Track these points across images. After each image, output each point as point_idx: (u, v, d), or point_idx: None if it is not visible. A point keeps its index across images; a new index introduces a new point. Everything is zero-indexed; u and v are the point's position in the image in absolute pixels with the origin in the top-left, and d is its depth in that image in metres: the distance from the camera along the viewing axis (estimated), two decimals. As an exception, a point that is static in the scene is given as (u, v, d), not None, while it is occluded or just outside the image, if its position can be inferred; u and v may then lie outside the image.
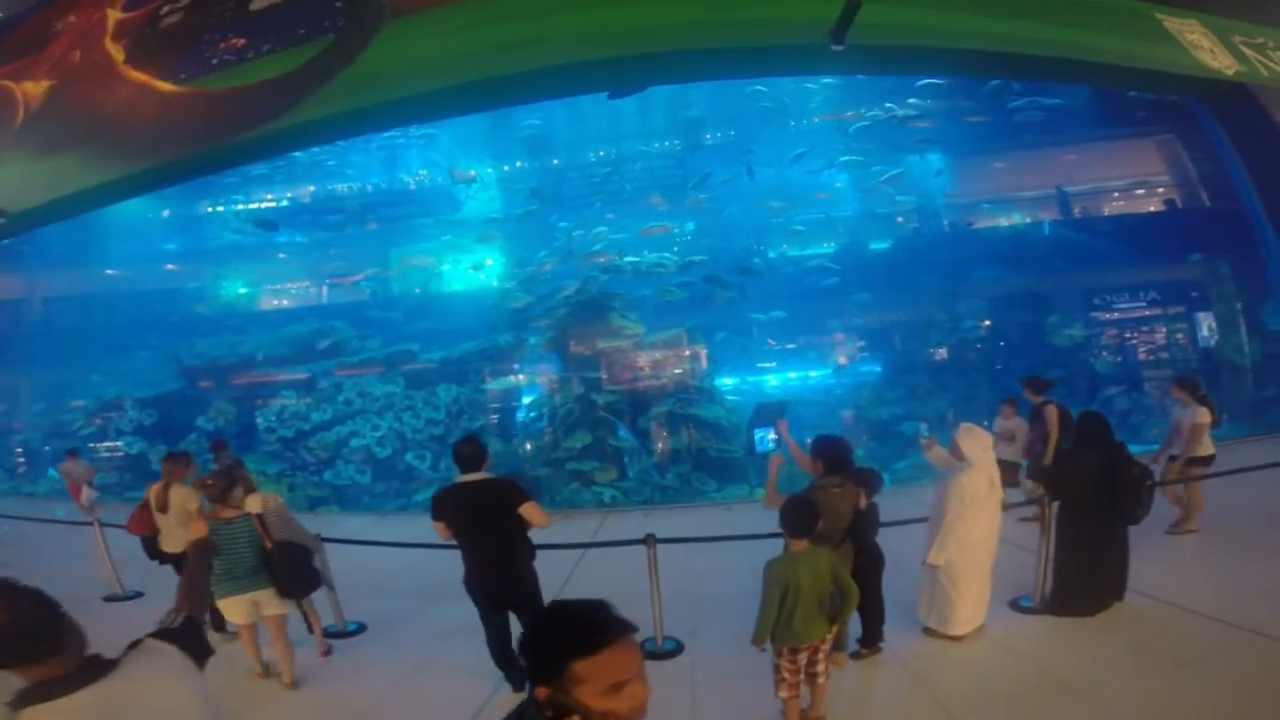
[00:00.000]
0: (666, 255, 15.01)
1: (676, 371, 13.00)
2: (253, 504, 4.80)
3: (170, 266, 21.23)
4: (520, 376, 14.22)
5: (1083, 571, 4.70)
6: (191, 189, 20.63)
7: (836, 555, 3.58)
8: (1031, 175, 18.71)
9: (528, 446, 12.26)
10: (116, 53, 12.76)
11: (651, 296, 13.88)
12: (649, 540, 4.71)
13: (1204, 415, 6.13)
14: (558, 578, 6.08)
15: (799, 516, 3.39)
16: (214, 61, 10.84)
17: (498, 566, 3.96)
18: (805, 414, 14.97)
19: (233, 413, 13.90)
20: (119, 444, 14.37)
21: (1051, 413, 6.47)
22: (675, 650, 4.79)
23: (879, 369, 15.98)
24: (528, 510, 3.86)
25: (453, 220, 18.84)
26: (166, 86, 11.41)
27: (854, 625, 4.31)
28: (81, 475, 10.89)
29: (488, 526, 3.92)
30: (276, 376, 14.44)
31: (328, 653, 5.20)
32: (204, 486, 4.94)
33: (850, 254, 17.73)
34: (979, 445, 4.34)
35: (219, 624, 5.36)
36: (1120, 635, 4.49)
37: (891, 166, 17.76)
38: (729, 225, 17.87)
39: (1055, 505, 4.86)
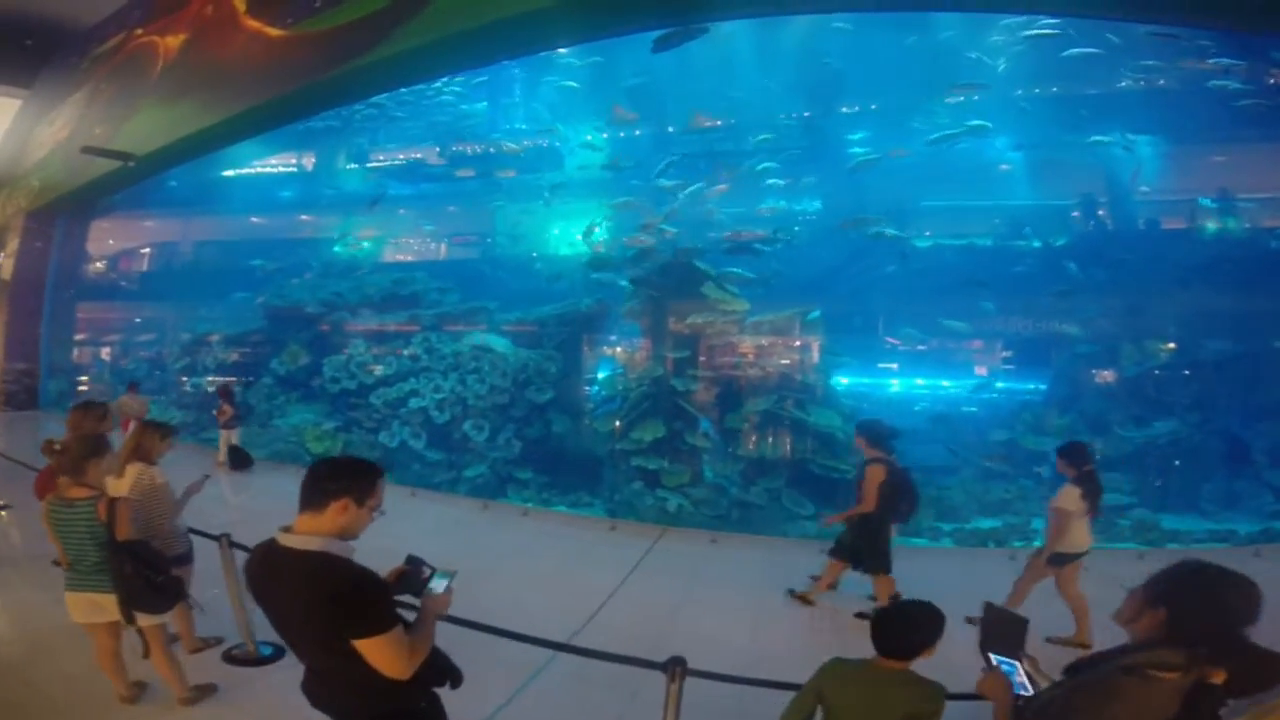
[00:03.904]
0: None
1: (783, 362, 10.76)
2: (116, 485, 3.63)
3: (304, 217, 21.84)
4: (600, 348, 12.52)
5: None
6: (328, 145, 21.26)
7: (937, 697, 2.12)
8: (1259, 174, 14.49)
9: (592, 428, 10.56)
10: (240, 3, 13.31)
11: (768, 271, 11.67)
12: (673, 669, 2.65)
13: (1068, 497, 4.57)
14: (512, 678, 4.00)
15: (901, 630, 2.17)
16: (316, 4, 11.45)
17: (325, 698, 2.05)
18: (937, 432, 12.47)
19: (304, 357, 13.23)
20: (200, 381, 14.27)
21: (873, 475, 4.90)
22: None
23: (1044, 388, 12.83)
24: (370, 650, 1.84)
25: (557, 179, 17.53)
26: (275, 31, 12.27)
27: None
28: (135, 410, 10.52)
29: (299, 640, 2.00)
30: (350, 325, 13.67)
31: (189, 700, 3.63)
32: (52, 453, 3.69)
33: (1018, 247, 14.54)
34: None
35: None
36: None
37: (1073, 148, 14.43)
38: (863, 204, 15.12)
39: None
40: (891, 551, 5.12)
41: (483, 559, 6.28)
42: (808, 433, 9.37)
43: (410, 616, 2.05)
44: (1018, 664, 2.01)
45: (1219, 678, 1.66)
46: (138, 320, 21.65)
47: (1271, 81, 13.74)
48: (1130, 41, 13.26)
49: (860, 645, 4.60)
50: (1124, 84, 14.99)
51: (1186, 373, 12.00)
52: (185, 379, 15.07)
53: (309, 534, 1.93)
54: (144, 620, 3.37)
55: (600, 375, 11.95)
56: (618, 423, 9.85)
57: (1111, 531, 9.36)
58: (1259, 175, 14.24)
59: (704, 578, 5.98)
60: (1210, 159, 15.01)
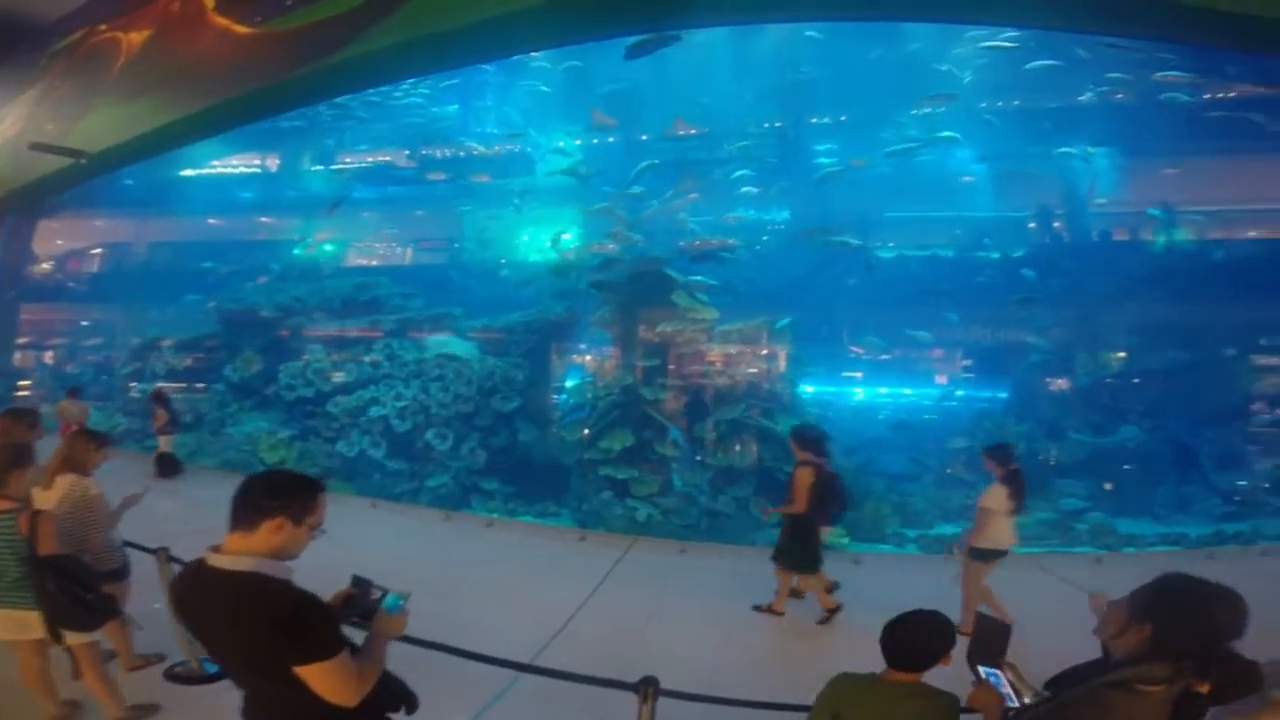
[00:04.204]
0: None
1: (751, 371, 10.81)
2: (44, 497, 3.42)
3: (264, 219, 21.23)
4: (568, 356, 12.38)
5: None
6: (292, 146, 20.71)
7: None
8: (1208, 186, 15.12)
9: (560, 437, 10.41)
10: (209, 0, 12.94)
11: (736, 280, 11.70)
12: (645, 690, 2.56)
13: (995, 496, 4.82)
14: (472, 700, 3.81)
15: (913, 641, 2.08)
16: (287, 2, 11.13)
17: None
18: (900, 440, 12.67)
19: (259, 363, 12.78)
20: (149, 387, 13.67)
21: (802, 478, 5.07)
22: None
23: (1003, 396, 13.10)
24: (313, 677, 1.71)
25: (527, 185, 17.34)
26: (242, 29, 11.83)
27: None
28: (75, 416, 10.08)
29: (235, 666, 1.85)
30: (309, 330, 13.29)
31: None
32: None
33: (980, 258, 14.88)
34: None
35: None
36: None
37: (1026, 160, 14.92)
38: (831, 215, 15.31)
39: None
40: (821, 551, 5.34)
41: (444, 572, 6.09)
42: (775, 441, 9.37)
43: (360, 638, 1.92)
44: (1000, 672, 2.00)
45: (1204, 690, 1.69)
46: (85, 323, 20.78)
47: (1221, 95, 14.33)
48: (1095, 54, 13.66)
49: (836, 652, 4.58)
50: (1087, 97, 15.48)
51: (1137, 380, 12.43)
52: (134, 385, 14.43)
53: (240, 553, 1.77)
54: (73, 639, 3.20)
55: (569, 383, 11.81)
56: (586, 431, 9.71)
57: (1069, 536, 9.60)
58: (1214, 187, 14.82)
59: (675, 589, 5.89)
60: (1165, 171, 15.57)
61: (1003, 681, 1.98)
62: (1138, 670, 1.68)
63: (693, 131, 16.96)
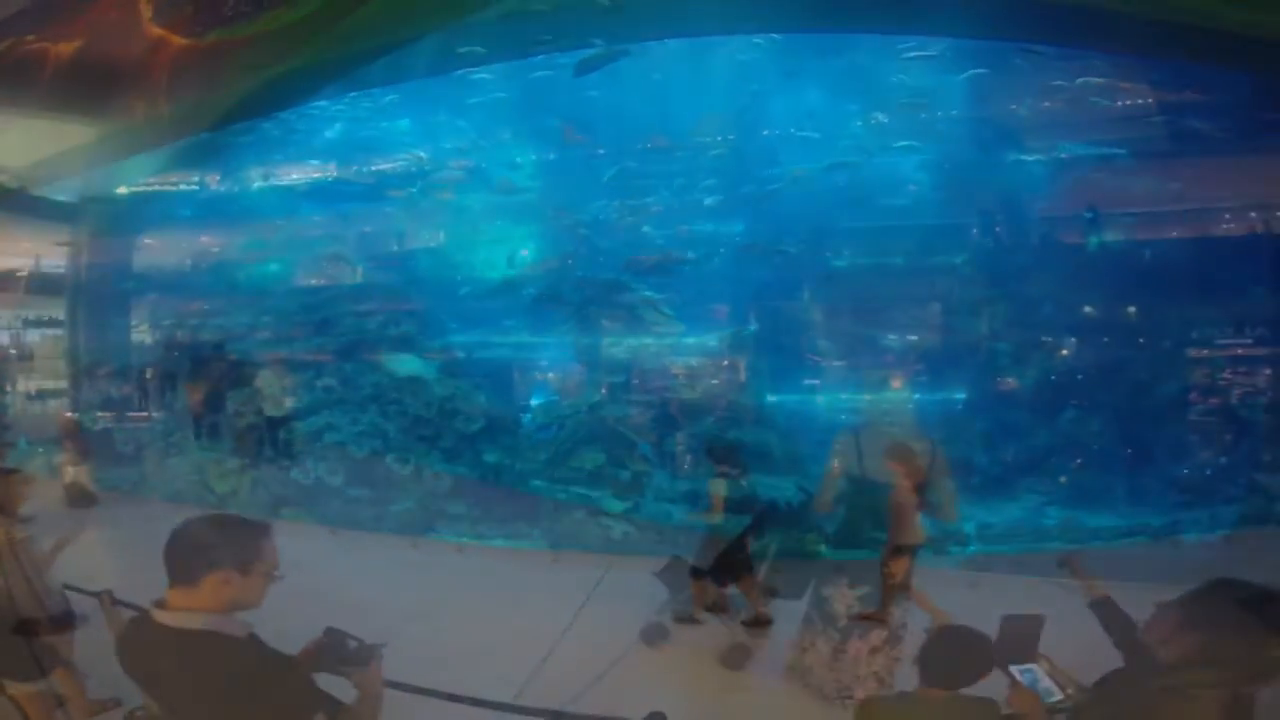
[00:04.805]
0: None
1: (714, 383, 10.79)
2: None
3: (205, 238, 20.29)
4: (532, 374, 12.17)
5: None
6: (233, 161, 19.92)
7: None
8: (1136, 189, 15.91)
9: (527, 457, 10.17)
10: (146, 9, 12.35)
11: (697, 293, 11.69)
12: None
13: (902, 493, 4.91)
14: None
15: (951, 656, 2.01)
16: (229, 14, 10.67)
17: None
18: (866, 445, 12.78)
19: (205, 389, 12.16)
20: (83, 417, 12.88)
21: (715, 489, 5.53)
22: None
23: (962, 397, 13.39)
24: None
25: (484, 200, 17.06)
26: (179, 40, 11.18)
27: None
28: None
29: None
30: (257, 354, 12.73)
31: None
32: None
33: (924, 264, 15.24)
34: None
35: None
36: None
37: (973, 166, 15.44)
38: (787, 225, 15.49)
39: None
40: (753, 560, 5.65)
41: (413, 603, 5.78)
42: (745, 451, 9.32)
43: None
44: (1035, 667, 2.01)
45: (1254, 690, 1.74)
46: (13, 352, 19.53)
47: (1143, 100, 15.04)
48: (1032, 62, 14.15)
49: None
50: (1027, 104, 16.06)
51: (1083, 377, 12.86)
52: (68, 415, 13.59)
53: (188, 610, 1.56)
54: (15, 689, 3.01)
55: (534, 402, 11.59)
56: (554, 450, 9.53)
57: (1039, 532, 9.78)
58: (1151, 189, 15.53)
59: (660, 609, 5.70)
60: (1109, 177, 16.26)
61: (1040, 676, 1.98)
62: (1191, 674, 1.71)
63: (649, 145, 17.02)
